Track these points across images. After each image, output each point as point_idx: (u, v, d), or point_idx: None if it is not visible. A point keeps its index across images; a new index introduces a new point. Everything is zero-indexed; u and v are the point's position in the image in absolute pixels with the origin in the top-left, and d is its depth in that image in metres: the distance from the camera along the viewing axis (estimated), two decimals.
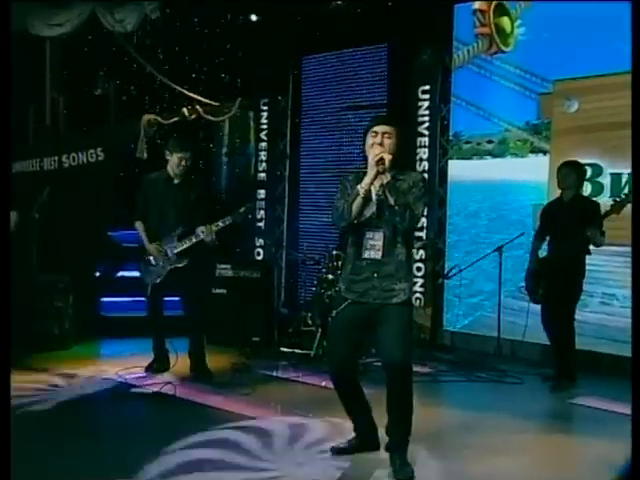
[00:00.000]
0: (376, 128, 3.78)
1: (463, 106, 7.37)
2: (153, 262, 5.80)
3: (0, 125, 3.42)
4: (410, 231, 3.87)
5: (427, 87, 7.49)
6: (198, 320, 5.86)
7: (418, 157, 7.52)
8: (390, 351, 3.71)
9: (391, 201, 3.65)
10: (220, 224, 5.64)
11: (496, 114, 7.12)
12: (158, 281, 5.78)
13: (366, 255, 3.80)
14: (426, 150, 7.51)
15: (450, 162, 7.48)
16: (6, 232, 3.56)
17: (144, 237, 5.82)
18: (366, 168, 3.75)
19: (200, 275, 6.00)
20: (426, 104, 7.50)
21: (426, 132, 7.52)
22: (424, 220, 7.40)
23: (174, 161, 5.73)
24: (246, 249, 8.71)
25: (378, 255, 3.77)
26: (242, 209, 5.72)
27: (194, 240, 5.67)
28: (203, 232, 5.61)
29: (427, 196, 3.88)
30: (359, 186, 3.70)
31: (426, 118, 7.51)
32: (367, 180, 3.69)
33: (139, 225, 5.86)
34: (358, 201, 3.71)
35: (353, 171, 3.98)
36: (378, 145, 3.70)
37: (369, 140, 3.78)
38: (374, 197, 3.71)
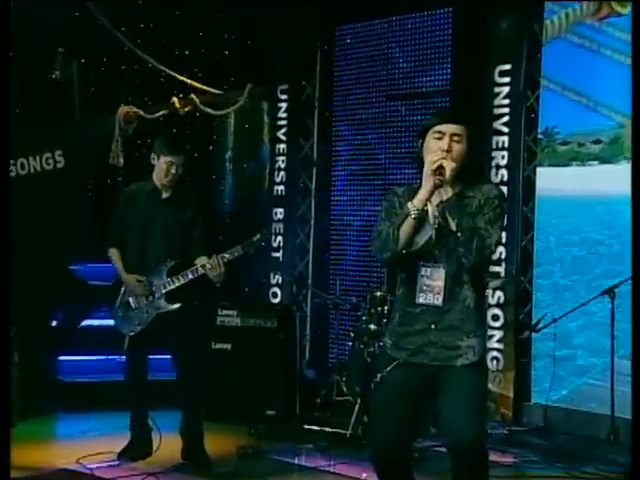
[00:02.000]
0: (442, 127, 3.79)
1: (558, 92, 7.35)
2: (133, 305, 5.85)
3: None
4: (481, 266, 3.88)
5: (507, 67, 7.47)
6: (194, 387, 5.91)
7: (494, 164, 7.53)
8: (456, 432, 3.70)
9: (452, 226, 3.68)
10: (227, 256, 5.72)
11: (606, 103, 7.08)
12: (139, 331, 5.83)
13: (421, 299, 3.82)
14: (505, 154, 7.51)
15: (539, 170, 7.47)
16: (6, 232, 3.89)
17: (121, 270, 5.87)
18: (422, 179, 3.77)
19: (198, 324, 6.11)
20: (505, 90, 7.49)
21: (505, 129, 7.51)
22: (502, 250, 7.39)
23: (161, 167, 5.80)
24: (258, 288, 8.76)
25: (437, 300, 3.80)
26: (256, 236, 5.81)
27: (191, 276, 5.75)
28: (207, 266, 5.69)
29: (504, 217, 3.89)
30: (410, 204, 3.72)
31: (505, 110, 7.50)
32: (421, 196, 3.71)
33: (114, 254, 5.92)
34: (408, 224, 3.73)
35: (405, 183, 4.06)
36: (444, 152, 3.72)
37: (430, 142, 3.80)
38: (431, 219, 3.75)
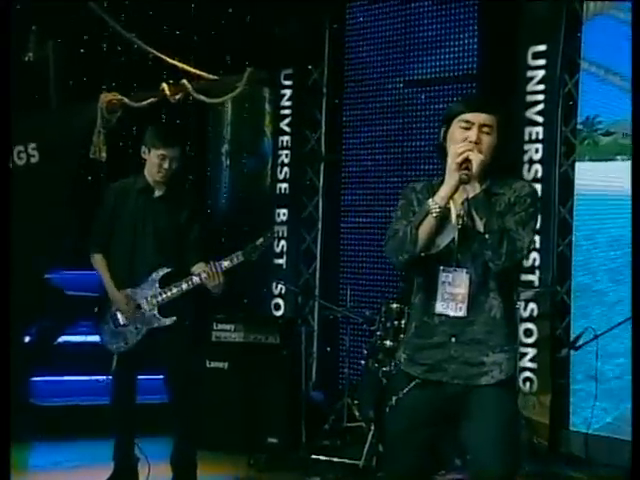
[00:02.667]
0: (470, 116, 3.79)
1: (600, 76, 7.29)
2: (121, 320, 5.88)
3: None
4: (511, 273, 3.87)
5: (542, 48, 7.45)
6: (189, 411, 5.97)
7: (527, 158, 7.50)
8: (483, 464, 3.70)
9: (479, 226, 3.68)
10: (226, 263, 5.75)
11: None
12: (127, 349, 5.88)
13: (440, 308, 3.82)
14: (539, 147, 7.49)
15: (578, 165, 7.45)
16: (6, 232, 4.09)
17: (108, 283, 5.89)
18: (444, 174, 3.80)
19: (192, 340, 6.18)
20: (540, 74, 7.46)
21: (540, 119, 7.48)
22: (535, 256, 7.41)
23: (153, 162, 5.83)
24: (258, 299, 8.82)
25: (459, 310, 3.79)
26: (259, 241, 5.84)
27: (185, 288, 5.79)
28: (203, 274, 5.72)
29: (538, 219, 3.90)
30: (431, 201, 3.72)
31: (540, 97, 7.46)
32: (443, 192, 3.72)
33: (98, 261, 5.95)
34: (429, 223, 3.73)
35: (424, 178, 4.17)
36: (472, 143, 3.73)
37: (455, 131, 3.81)
38: (454, 218, 3.75)
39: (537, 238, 7.18)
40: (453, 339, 3.78)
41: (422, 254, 3.77)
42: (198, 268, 5.77)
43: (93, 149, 7.85)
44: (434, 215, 3.69)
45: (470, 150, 3.68)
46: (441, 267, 3.81)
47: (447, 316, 3.80)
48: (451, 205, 3.73)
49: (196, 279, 5.74)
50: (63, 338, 7.76)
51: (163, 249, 5.85)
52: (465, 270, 3.78)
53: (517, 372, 4.09)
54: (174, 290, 5.77)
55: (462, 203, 3.74)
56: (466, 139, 3.74)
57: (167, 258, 5.84)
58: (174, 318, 5.81)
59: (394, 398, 3.96)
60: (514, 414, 3.89)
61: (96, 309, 6.02)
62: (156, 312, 5.81)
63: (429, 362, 3.83)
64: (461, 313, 3.77)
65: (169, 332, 5.83)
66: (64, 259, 7.75)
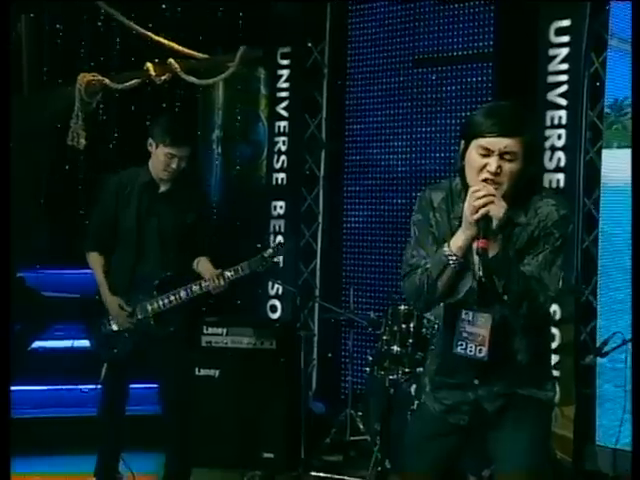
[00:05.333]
0: (489, 142, 3.67)
1: (630, 55, 7.03)
2: (114, 326, 5.93)
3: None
4: (537, 323, 3.87)
5: (566, 23, 7.29)
6: (183, 423, 6.02)
7: (548, 145, 7.35)
8: (511, 472, 3.78)
9: (498, 286, 3.65)
10: (229, 274, 5.81)
11: None
12: (118, 357, 5.93)
13: (459, 349, 3.83)
14: (562, 133, 7.32)
15: (605, 153, 7.32)
16: (6, 232, 4.28)
17: (101, 280, 5.95)
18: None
19: (186, 347, 6.28)
20: (564, 52, 7.29)
21: (563, 102, 7.33)
22: None
23: (159, 159, 5.86)
24: (253, 301, 8.82)
25: (480, 352, 3.79)
26: (267, 252, 5.91)
27: (184, 296, 5.83)
28: (206, 283, 5.80)
29: (564, 249, 3.85)
30: (447, 249, 3.71)
31: (563, 77, 7.31)
32: (460, 242, 3.69)
33: (95, 261, 6.00)
34: (447, 275, 3.75)
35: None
36: (490, 174, 3.64)
37: (472, 156, 3.71)
38: (477, 269, 3.73)
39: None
40: (476, 381, 3.82)
41: (441, 303, 3.88)
42: (202, 267, 5.84)
43: (71, 135, 7.84)
44: (452, 267, 3.69)
45: (491, 201, 3.56)
46: (462, 307, 3.84)
47: (468, 357, 3.81)
48: (473, 256, 3.70)
49: (196, 288, 5.79)
50: (37, 344, 7.71)
51: (167, 249, 5.91)
52: (487, 310, 3.77)
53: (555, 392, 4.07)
54: (172, 298, 5.82)
55: (480, 255, 3.64)
56: (484, 168, 3.63)
57: (171, 259, 5.90)
58: (171, 328, 5.86)
59: (416, 403, 4.36)
60: (549, 427, 3.97)
61: (87, 312, 6.05)
62: (153, 320, 5.85)
63: (448, 402, 3.90)
64: (481, 355, 3.76)
65: (164, 341, 5.86)
66: (40, 256, 7.68)
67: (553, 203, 3.80)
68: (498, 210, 3.58)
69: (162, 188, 5.95)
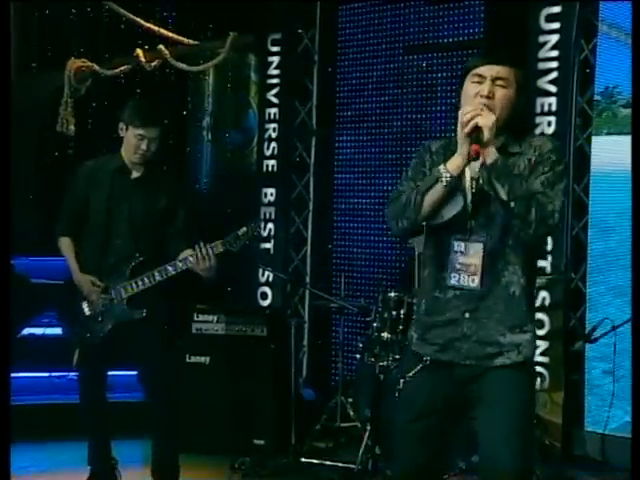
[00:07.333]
0: (482, 69, 3.83)
1: (621, 41, 7.22)
2: (87, 310, 5.85)
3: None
4: (537, 245, 4.00)
5: (556, 9, 7.36)
6: (169, 410, 5.95)
7: (538, 132, 7.37)
8: (496, 454, 3.75)
9: (502, 194, 3.67)
10: (204, 251, 5.73)
11: None
12: (92, 342, 5.85)
13: (452, 281, 3.86)
14: (552, 120, 7.43)
15: (595, 139, 7.42)
16: (6, 231, 4.20)
17: (73, 267, 5.92)
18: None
19: (169, 331, 6.20)
20: (554, 39, 7.38)
21: (553, 88, 7.42)
22: (547, 239, 7.35)
23: (130, 141, 5.84)
24: (243, 288, 8.81)
25: (472, 282, 3.82)
26: (241, 230, 5.81)
27: (158, 277, 5.77)
28: (190, 259, 5.73)
29: (566, 178, 3.96)
30: (442, 167, 3.75)
31: (553, 64, 7.40)
32: (457, 161, 3.75)
33: (65, 245, 5.98)
34: (436, 192, 3.78)
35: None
36: (483, 97, 3.77)
37: (468, 87, 3.86)
38: (467, 182, 3.81)
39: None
40: (467, 315, 3.82)
41: (423, 223, 3.84)
42: (186, 254, 5.78)
43: (60, 122, 7.81)
44: (444, 184, 3.72)
45: (478, 114, 3.65)
46: (453, 237, 3.84)
47: (460, 289, 3.83)
48: (466, 170, 3.77)
49: (180, 265, 5.73)
50: (27, 331, 7.72)
51: (139, 236, 5.86)
52: (479, 239, 3.81)
53: (535, 356, 4.10)
54: (145, 280, 5.77)
55: (480, 169, 3.73)
56: (477, 94, 3.76)
57: (143, 245, 5.85)
58: (143, 311, 5.79)
59: (402, 381, 4.01)
60: (531, 402, 3.92)
61: (59, 297, 6.04)
62: (125, 304, 5.81)
63: (440, 341, 3.87)
64: (474, 285, 3.79)
65: (140, 325, 5.82)
66: (28, 244, 7.66)
67: (544, 138, 4.01)
68: (487, 119, 3.65)
69: (134, 174, 5.93)
